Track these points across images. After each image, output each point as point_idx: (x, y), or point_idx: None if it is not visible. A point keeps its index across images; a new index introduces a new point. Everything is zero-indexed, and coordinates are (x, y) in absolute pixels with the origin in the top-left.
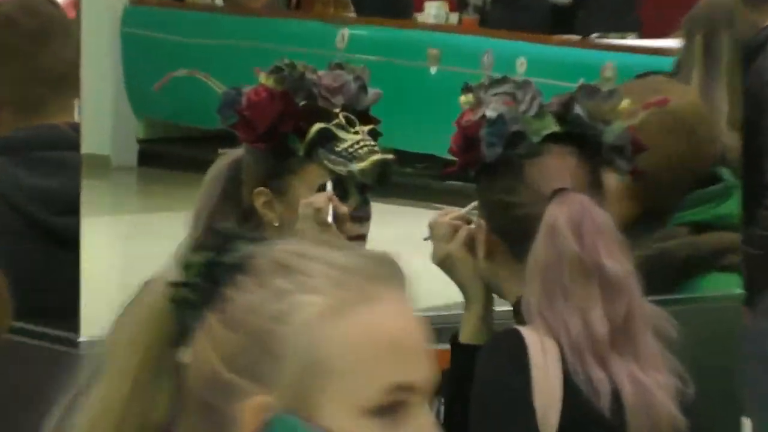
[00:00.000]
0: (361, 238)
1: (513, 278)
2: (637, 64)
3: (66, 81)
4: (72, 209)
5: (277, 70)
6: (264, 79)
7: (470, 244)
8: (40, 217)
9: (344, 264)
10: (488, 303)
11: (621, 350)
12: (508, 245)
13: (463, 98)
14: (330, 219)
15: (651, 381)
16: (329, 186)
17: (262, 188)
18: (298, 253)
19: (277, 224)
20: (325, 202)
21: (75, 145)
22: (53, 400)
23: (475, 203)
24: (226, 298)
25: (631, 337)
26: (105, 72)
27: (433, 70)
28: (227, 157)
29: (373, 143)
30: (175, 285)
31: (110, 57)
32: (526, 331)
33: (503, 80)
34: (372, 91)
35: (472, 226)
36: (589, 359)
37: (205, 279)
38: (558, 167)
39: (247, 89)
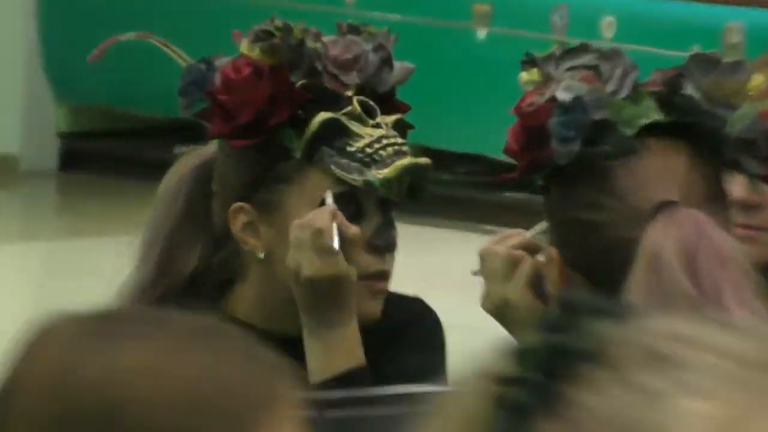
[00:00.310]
0: (382, 276)
1: None
2: None
3: None
4: None
5: (265, 36)
6: (246, 47)
7: (537, 284)
8: None
9: (743, 351)
10: None
11: None
12: (591, 283)
13: (524, 75)
14: (336, 245)
15: None
16: (329, 198)
17: (241, 204)
18: (674, 334)
19: (262, 255)
20: (327, 220)
21: None
22: None
23: (543, 225)
24: (570, 401)
25: None
26: (12, 37)
27: (481, 34)
28: (191, 158)
29: (400, 141)
30: (506, 381)
31: (20, 16)
32: None
33: (582, 48)
34: (399, 66)
35: (540, 257)
36: None
37: (543, 372)
38: (661, 171)
39: (222, 62)
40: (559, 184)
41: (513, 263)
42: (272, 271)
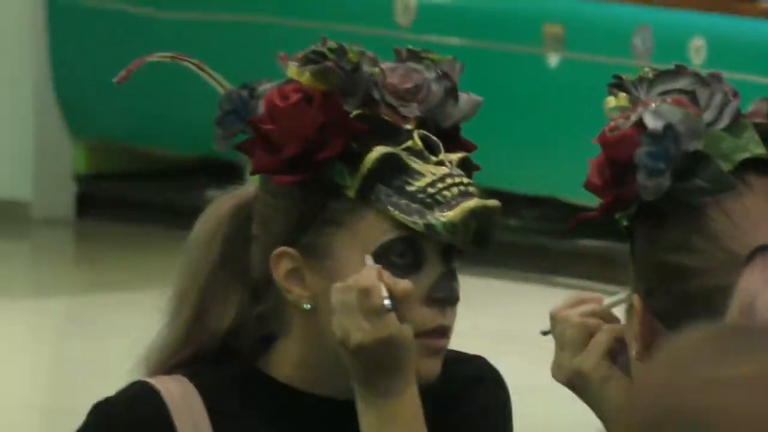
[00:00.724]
0: (443, 332)
1: None
2: None
3: None
4: None
5: (316, 58)
6: (295, 72)
7: (614, 353)
8: None
9: None
10: None
11: None
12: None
13: (611, 100)
14: (387, 303)
15: None
16: (369, 260)
17: (286, 248)
18: None
19: (308, 306)
20: (372, 278)
21: None
22: None
23: (621, 294)
24: None
25: None
26: (21, 65)
27: (553, 59)
28: (228, 198)
29: (466, 181)
30: None
31: (29, 40)
32: None
33: (678, 71)
34: (466, 98)
35: (621, 323)
36: None
37: None
38: (763, 212)
39: (266, 87)
40: (646, 224)
41: (587, 332)
42: (319, 325)
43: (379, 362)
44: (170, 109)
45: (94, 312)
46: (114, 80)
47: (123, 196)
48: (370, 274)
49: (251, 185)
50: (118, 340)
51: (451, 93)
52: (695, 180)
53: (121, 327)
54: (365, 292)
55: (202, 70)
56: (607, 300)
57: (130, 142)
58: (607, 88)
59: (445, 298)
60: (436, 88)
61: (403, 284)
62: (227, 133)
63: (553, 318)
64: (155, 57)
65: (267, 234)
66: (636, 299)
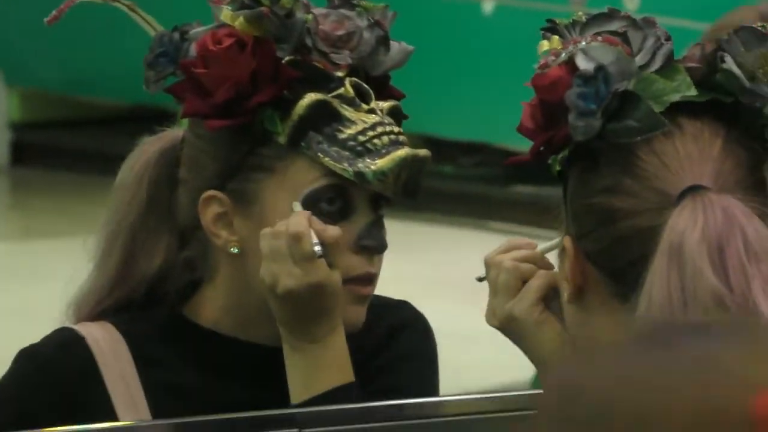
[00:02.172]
0: (369, 279)
1: (617, 330)
2: None
3: None
4: None
5: (249, 3)
6: (228, 16)
7: (550, 298)
8: None
9: None
10: None
11: None
12: (611, 281)
13: (544, 44)
14: (317, 249)
15: None
16: (298, 207)
17: (214, 192)
18: None
19: (235, 250)
20: (303, 224)
21: None
22: None
23: (555, 241)
24: None
25: None
26: None
27: (488, 6)
28: (154, 141)
29: (396, 129)
30: None
31: None
32: None
33: (610, 14)
34: (397, 47)
35: (554, 269)
36: None
37: None
38: (693, 154)
39: (198, 31)
40: (579, 167)
41: (521, 277)
42: (246, 270)
43: (307, 308)
44: (104, 58)
45: (27, 258)
46: (45, 21)
47: (57, 144)
48: (300, 220)
49: (176, 129)
50: (51, 287)
51: (383, 41)
52: (626, 120)
53: (55, 273)
54: (296, 238)
55: (134, 11)
56: (541, 246)
57: (64, 90)
58: (541, 33)
59: (373, 246)
60: (368, 36)
61: (333, 230)
62: (158, 75)
63: (488, 264)
64: None
65: (195, 178)
66: (568, 242)
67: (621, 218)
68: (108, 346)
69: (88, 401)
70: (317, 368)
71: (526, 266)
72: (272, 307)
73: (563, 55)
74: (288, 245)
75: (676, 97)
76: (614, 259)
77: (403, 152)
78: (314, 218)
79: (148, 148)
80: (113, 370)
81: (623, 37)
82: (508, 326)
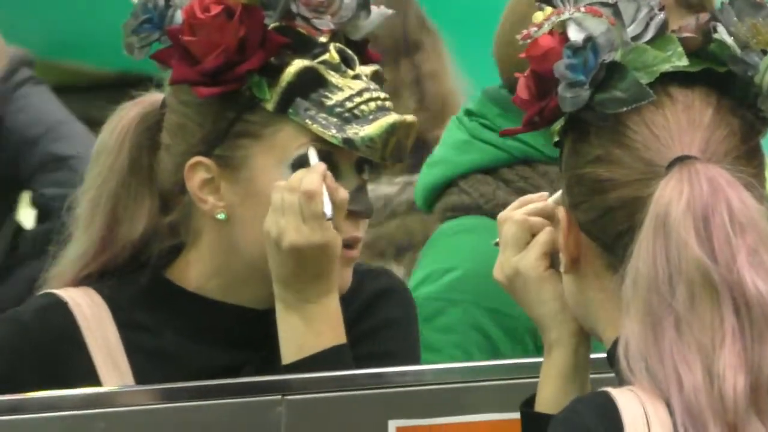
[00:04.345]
0: (355, 243)
1: (611, 304)
2: None
3: None
4: None
5: None
6: None
7: (556, 256)
8: None
9: None
10: (579, 349)
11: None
12: (604, 250)
13: (538, 14)
14: (328, 211)
15: None
16: (314, 156)
17: (201, 158)
18: None
19: (222, 216)
20: (317, 183)
21: None
22: None
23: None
24: None
25: None
26: None
27: None
28: (133, 106)
29: (383, 95)
30: None
31: None
32: (620, 395)
33: None
34: (377, 11)
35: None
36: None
37: None
38: (682, 124)
39: None
40: (571, 138)
41: (529, 231)
42: (232, 235)
43: (308, 266)
44: (91, 24)
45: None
46: None
47: None
48: (315, 178)
49: (154, 93)
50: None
51: (364, 6)
52: (613, 91)
53: None
54: (308, 195)
55: None
56: (553, 197)
57: (50, 56)
58: (536, 3)
59: (360, 211)
60: (349, 1)
61: (343, 193)
62: (142, 42)
63: (500, 221)
64: None
65: (179, 144)
66: (561, 212)
67: (610, 189)
68: (90, 311)
69: (70, 365)
70: (311, 328)
71: (536, 219)
72: (271, 262)
73: (545, 26)
74: (299, 202)
75: (666, 68)
76: (605, 229)
77: (391, 119)
78: (329, 175)
79: (127, 113)
80: (96, 334)
81: (615, 8)
82: (513, 281)
